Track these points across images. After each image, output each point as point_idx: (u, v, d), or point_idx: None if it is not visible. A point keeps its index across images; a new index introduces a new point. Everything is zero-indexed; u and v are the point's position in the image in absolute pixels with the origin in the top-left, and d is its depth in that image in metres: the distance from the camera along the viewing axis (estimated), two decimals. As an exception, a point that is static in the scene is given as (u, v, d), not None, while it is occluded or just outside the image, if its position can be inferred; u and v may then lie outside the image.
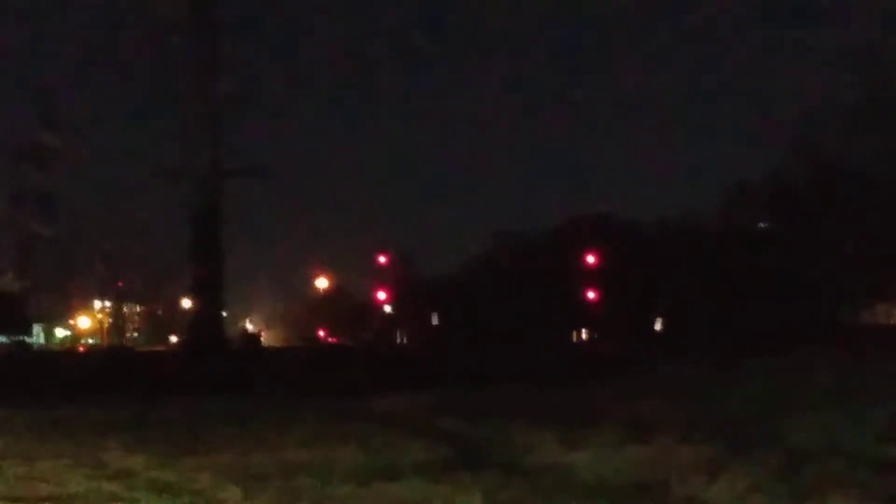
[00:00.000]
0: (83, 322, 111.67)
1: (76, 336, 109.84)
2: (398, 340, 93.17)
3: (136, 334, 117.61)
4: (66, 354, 61.78)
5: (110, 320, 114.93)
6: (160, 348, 78.74)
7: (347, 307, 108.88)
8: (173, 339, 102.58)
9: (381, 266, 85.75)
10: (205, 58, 41.07)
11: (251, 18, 47.53)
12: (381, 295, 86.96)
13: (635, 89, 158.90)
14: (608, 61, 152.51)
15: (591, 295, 70.67)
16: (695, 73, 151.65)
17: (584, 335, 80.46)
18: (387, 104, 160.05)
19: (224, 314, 49.56)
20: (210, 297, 43.00)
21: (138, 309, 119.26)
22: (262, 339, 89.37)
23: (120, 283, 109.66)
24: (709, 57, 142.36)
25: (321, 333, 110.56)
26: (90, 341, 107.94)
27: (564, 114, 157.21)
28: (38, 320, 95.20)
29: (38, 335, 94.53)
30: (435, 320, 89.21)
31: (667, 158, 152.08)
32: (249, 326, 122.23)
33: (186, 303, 76.49)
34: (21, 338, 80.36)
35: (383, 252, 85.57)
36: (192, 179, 41.66)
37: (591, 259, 70.11)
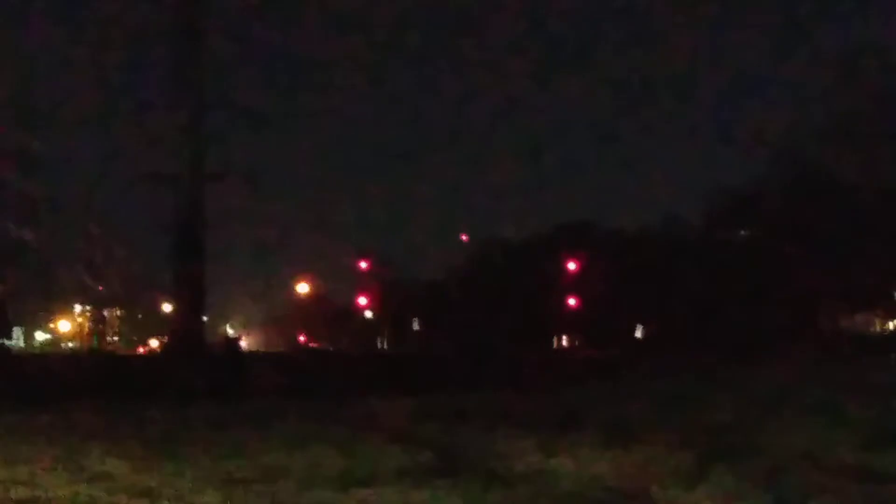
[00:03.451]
0: (63, 326, 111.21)
1: (56, 339, 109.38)
2: (379, 346, 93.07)
3: (115, 338, 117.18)
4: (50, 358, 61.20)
5: (90, 324, 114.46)
6: (141, 352, 78.54)
7: (328, 312, 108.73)
8: (153, 342, 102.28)
9: (362, 271, 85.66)
10: (189, 62, 40.90)
11: (237, 24, 47.58)
12: (363, 300, 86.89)
13: (618, 96, 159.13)
14: (592, 67, 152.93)
15: (571, 302, 70.73)
16: (677, 81, 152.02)
17: (564, 342, 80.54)
18: (370, 110, 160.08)
19: (205, 319, 49.34)
20: (191, 301, 42.78)
21: (118, 313, 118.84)
22: (240, 343, 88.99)
23: (100, 287, 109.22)
24: (691, 64, 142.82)
25: (301, 339, 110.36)
26: (70, 345, 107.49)
27: (547, 121, 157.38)
28: (18, 323, 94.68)
29: (17, 338, 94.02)
30: (416, 326, 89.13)
31: (648, 166, 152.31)
32: (230, 331, 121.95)
33: (166, 307, 76.18)
34: (0, 341, 79.89)
35: (365, 257, 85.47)
36: (174, 183, 41.48)
37: (572, 266, 70.19)
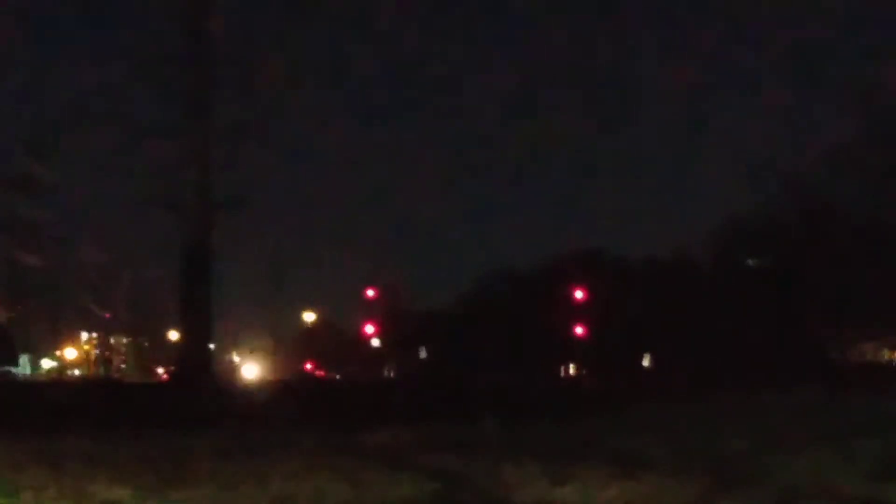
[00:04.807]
0: (70, 353, 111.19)
1: (63, 367, 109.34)
2: (386, 374, 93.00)
3: (123, 366, 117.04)
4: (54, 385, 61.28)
5: (96, 352, 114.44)
6: (151, 380, 78.40)
7: (335, 341, 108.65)
8: (160, 370, 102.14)
9: (369, 300, 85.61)
10: (198, 91, 41.07)
11: (245, 53, 47.66)
12: (369, 329, 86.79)
13: (625, 126, 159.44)
14: (598, 96, 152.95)
15: (579, 330, 70.63)
16: (685, 110, 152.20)
17: (571, 370, 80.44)
18: (379, 137, 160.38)
19: (212, 346, 49.30)
20: (198, 329, 42.78)
21: (125, 340, 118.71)
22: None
23: (107, 315, 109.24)
24: (700, 92, 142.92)
25: (308, 367, 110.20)
26: (76, 372, 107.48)
27: (555, 149, 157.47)
28: (25, 350, 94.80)
29: (24, 366, 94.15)
30: (423, 354, 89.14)
31: (657, 195, 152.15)
32: (236, 359, 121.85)
33: (173, 334, 76.16)
34: (7, 368, 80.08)
35: (372, 285, 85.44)
36: (181, 211, 41.56)
37: (579, 294, 70.12)
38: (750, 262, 67.42)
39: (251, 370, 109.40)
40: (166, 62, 42.03)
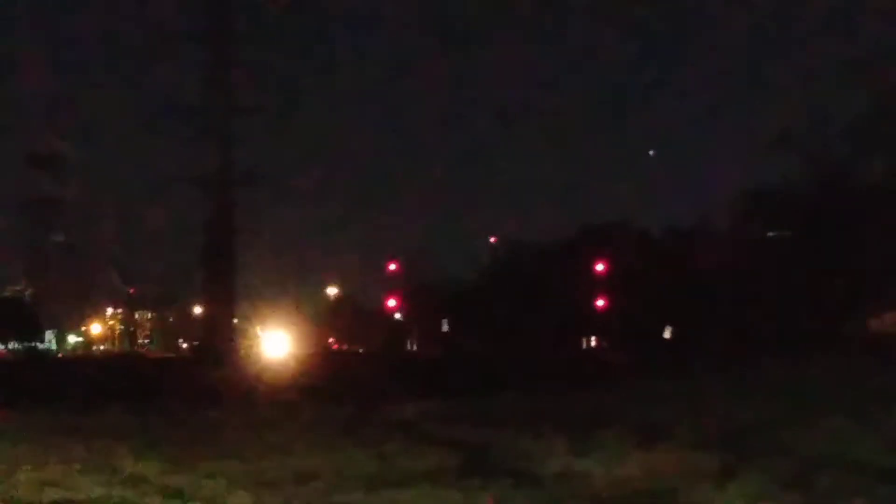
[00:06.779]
0: (95, 329, 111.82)
1: (88, 342, 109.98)
2: (409, 347, 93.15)
3: (146, 341, 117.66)
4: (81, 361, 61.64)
5: (121, 327, 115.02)
6: (171, 355, 78.87)
7: (358, 314, 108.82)
8: (184, 345, 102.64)
9: (391, 273, 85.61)
10: (220, 67, 41.22)
11: (264, 28, 47.86)
12: (392, 302, 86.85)
13: (646, 98, 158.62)
14: (622, 70, 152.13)
15: (600, 302, 70.57)
16: (706, 82, 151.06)
17: (593, 342, 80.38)
18: (401, 112, 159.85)
19: (235, 321, 49.56)
20: (221, 303, 43.04)
21: (150, 315, 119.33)
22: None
23: (132, 290, 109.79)
24: (721, 66, 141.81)
25: (331, 341, 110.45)
26: (101, 347, 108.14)
27: (577, 122, 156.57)
28: (51, 327, 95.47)
29: (50, 342, 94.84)
30: (445, 327, 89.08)
31: (678, 167, 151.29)
32: (260, 333, 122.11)
33: (198, 309, 76.54)
34: (33, 344, 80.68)
35: (393, 259, 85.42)
36: (204, 187, 41.78)
37: (601, 267, 70.00)
38: (770, 233, 67.07)
39: (276, 344, 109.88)
40: (188, 39, 42.18)
